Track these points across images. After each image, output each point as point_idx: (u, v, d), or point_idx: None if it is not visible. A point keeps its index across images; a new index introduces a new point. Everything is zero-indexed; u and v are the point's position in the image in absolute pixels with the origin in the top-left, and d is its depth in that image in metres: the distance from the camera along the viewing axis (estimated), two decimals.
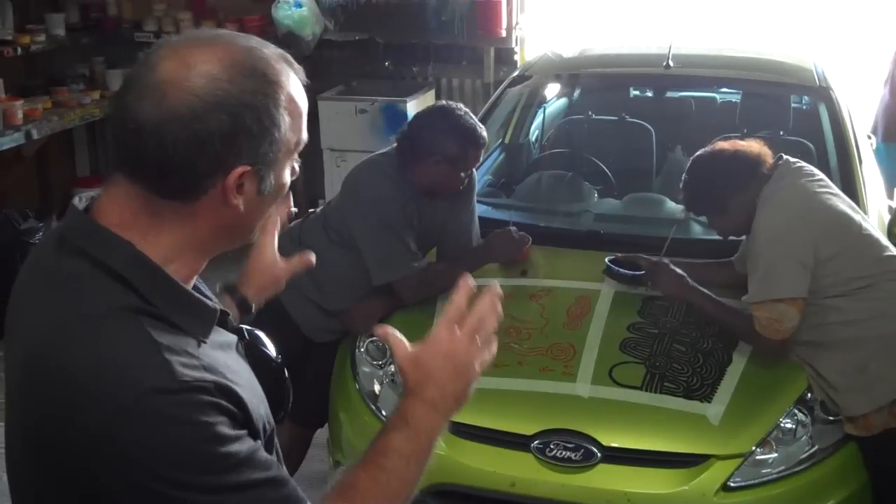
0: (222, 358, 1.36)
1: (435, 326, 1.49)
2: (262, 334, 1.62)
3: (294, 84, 1.38)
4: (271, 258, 1.98)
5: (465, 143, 3.29)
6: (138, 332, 1.28)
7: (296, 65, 1.41)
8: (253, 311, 1.89)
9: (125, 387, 1.23)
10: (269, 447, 1.41)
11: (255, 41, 1.38)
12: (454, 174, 3.31)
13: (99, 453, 1.24)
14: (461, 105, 3.41)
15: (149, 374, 1.24)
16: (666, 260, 3.32)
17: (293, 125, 1.37)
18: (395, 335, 1.51)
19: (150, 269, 1.32)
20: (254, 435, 1.34)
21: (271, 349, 1.61)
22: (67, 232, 1.37)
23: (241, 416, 1.31)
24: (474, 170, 3.48)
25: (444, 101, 3.51)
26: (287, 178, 1.42)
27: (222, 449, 1.26)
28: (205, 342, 1.34)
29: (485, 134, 3.37)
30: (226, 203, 1.33)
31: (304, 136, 1.41)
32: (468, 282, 1.51)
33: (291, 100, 1.37)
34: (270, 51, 1.37)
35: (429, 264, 3.43)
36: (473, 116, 3.38)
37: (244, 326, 1.57)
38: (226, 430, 1.27)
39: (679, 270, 3.26)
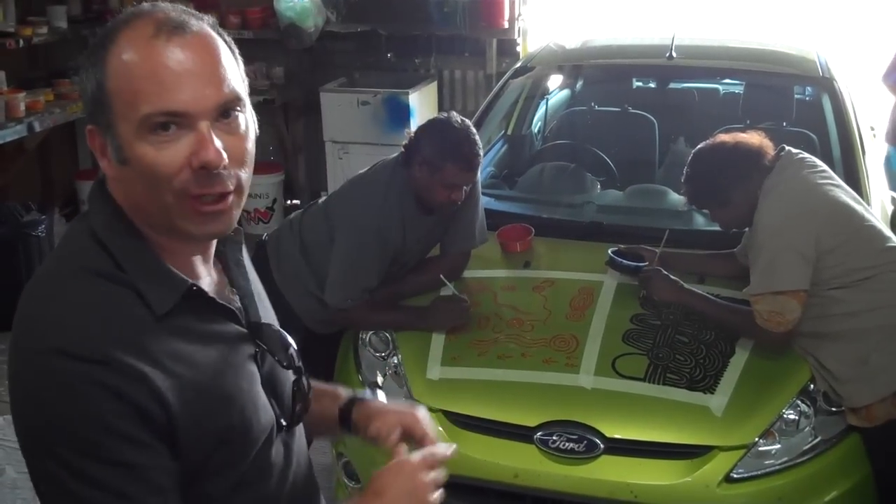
0: (187, 348, 1.33)
1: (412, 454, 1.53)
2: (281, 335, 1.53)
3: (139, 48, 1.28)
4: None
5: (444, 151, 3.18)
6: (83, 294, 1.29)
7: (168, 27, 1.29)
8: (350, 431, 1.76)
9: (38, 339, 1.26)
10: (224, 453, 1.36)
11: (150, 5, 1.33)
12: (434, 184, 3.21)
13: (13, 399, 1.29)
14: (468, 123, 3.29)
15: (63, 333, 1.25)
16: (659, 265, 3.32)
17: (125, 90, 1.28)
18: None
19: (122, 233, 1.34)
20: (175, 446, 1.29)
21: (282, 354, 1.52)
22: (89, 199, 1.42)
23: (159, 417, 1.26)
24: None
25: (455, 114, 3.36)
26: (144, 152, 1.28)
27: (104, 440, 1.23)
28: (164, 319, 1.31)
29: (473, 159, 3.21)
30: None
31: (153, 106, 1.26)
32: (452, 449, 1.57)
33: (123, 63, 1.28)
34: (146, 12, 1.30)
35: (369, 304, 3.30)
36: (473, 138, 3.23)
37: (264, 323, 1.50)
38: (118, 422, 1.23)
39: (672, 276, 3.26)
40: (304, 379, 1.57)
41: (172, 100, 1.26)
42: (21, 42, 5.87)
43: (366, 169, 3.49)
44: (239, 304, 1.48)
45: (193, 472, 1.34)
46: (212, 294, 1.41)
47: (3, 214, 5.56)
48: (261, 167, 7.20)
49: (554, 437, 2.86)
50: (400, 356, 3.18)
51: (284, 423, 1.51)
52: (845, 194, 3.10)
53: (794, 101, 4.72)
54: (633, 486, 2.79)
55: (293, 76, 6.91)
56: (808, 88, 4.79)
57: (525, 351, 3.13)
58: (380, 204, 3.26)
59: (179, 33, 1.29)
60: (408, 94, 6.26)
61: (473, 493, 2.93)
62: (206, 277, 1.44)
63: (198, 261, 1.43)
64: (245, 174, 1.35)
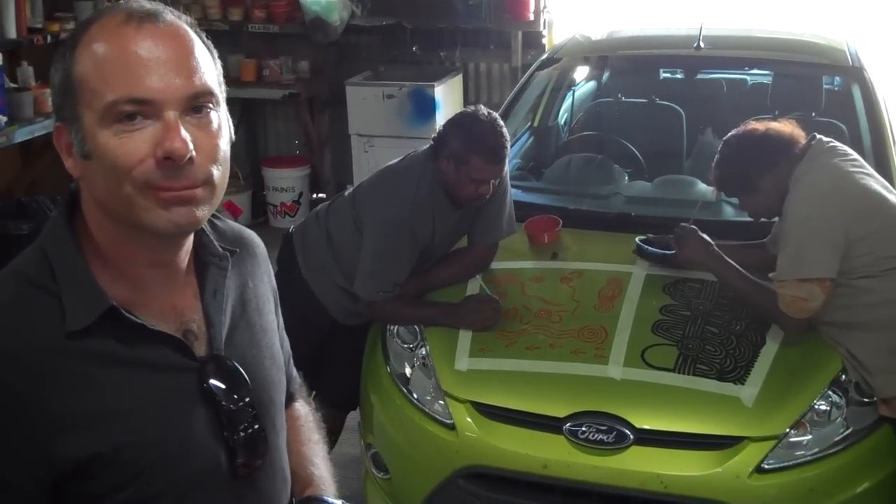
0: (95, 372, 1.26)
1: None
2: (238, 374, 1.39)
3: (108, 34, 1.24)
4: None
5: (470, 145, 3.16)
6: (2, 297, 1.27)
7: (139, 15, 1.25)
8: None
9: None
10: (135, 489, 1.28)
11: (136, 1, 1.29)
12: (461, 178, 3.20)
13: None
14: (495, 116, 3.27)
15: None
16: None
17: (92, 77, 1.23)
18: None
19: (63, 241, 1.30)
20: (45, 475, 1.24)
21: (228, 396, 1.37)
22: None
23: (28, 444, 1.22)
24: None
25: (482, 107, 3.33)
26: (105, 141, 1.23)
27: None
28: (77, 337, 1.25)
29: (500, 152, 3.18)
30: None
31: (118, 93, 1.22)
32: None
33: (91, 51, 1.24)
34: (120, 6, 1.27)
35: (400, 298, 3.29)
36: (500, 131, 3.20)
37: (219, 356, 1.38)
38: None
39: (706, 237, 3.23)
40: (256, 427, 1.40)
41: (139, 86, 1.21)
42: (49, 38, 5.90)
43: (395, 161, 3.48)
44: (198, 334, 1.38)
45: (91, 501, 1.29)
46: (156, 318, 1.33)
47: (31, 209, 5.60)
48: (287, 161, 7.29)
49: (583, 428, 2.85)
50: (428, 347, 3.18)
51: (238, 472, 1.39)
52: (876, 183, 3.07)
53: (823, 90, 4.69)
54: (663, 477, 2.78)
55: (319, 70, 6.92)
56: (838, 78, 4.75)
57: (553, 342, 3.12)
58: (411, 198, 3.25)
59: (151, 21, 1.25)
60: (433, 87, 6.26)
61: (503, 484, 2.93)
62: (162, 299, 1.35)
63: (156, 278, 1.35)
64: (217, 171, 1.28)
